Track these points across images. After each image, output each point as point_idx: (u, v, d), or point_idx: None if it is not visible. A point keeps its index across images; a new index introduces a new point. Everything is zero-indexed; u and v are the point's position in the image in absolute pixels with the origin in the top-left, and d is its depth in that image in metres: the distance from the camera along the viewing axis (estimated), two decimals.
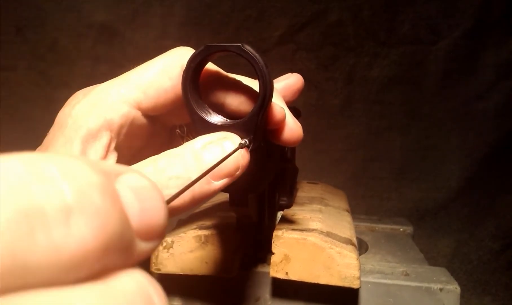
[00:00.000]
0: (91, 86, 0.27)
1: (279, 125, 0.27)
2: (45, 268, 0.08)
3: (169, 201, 0.13)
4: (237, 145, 0.24)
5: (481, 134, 0.88)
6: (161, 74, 0.26)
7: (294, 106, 0.33)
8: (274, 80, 0.29)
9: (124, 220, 0.10)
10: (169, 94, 0.27)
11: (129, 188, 0.11)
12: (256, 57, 0.25)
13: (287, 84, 0.32)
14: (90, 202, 0.09)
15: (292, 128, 0.27)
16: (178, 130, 0.31)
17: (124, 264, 0.10)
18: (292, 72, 0.33)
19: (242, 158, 0.24)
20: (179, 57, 0.27)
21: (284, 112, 0.27)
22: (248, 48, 0.24)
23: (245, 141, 0.24)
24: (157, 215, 0.11)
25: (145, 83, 0.26)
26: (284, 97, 0.30)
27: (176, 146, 0.23)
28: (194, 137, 0.27)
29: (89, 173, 0.10)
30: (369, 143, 0.91)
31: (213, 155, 0.23)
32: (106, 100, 0.25)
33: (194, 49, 0.27)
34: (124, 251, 0.10)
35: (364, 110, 0.90)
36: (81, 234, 0.09)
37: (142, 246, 0.11)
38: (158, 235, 0.11)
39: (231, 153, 0.23)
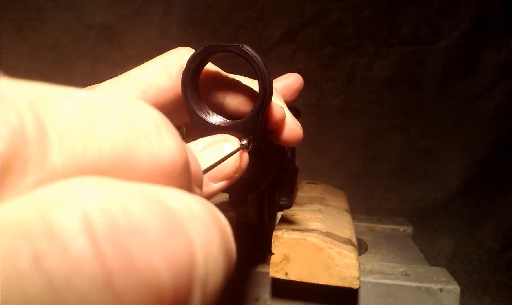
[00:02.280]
0: (91, 86, 0.27)
1: (279, 125, 0.27)
2: (148, 168, 0.10)
3: None
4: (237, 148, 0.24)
5: (481, 134, 0.88)
6: (161, 74, 0.26)
7: (294, 106, 0.33)
8: (274, 80, 0.29)
9: (187, 153, 0.12)
10: (169, 94, 0.27)
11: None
12: (256, 58, 0.25)
13: (286, 84, 0.32)
14: (171, 127, 0.11)
15: (292, 128, 0.27)
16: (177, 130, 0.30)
17: (190, 191, 0.12)
18: (292, 72, 0.33)
19: (241, 160, 0.24)
20: (179, 57, 0.27)
21: (284, 112, 0.27)
22: (247, 48, 0.24)
23: (245, 143, 0.24)
24: (199, 167, 0.13)
25: (145, 83, 0.26)
26: (283, 97, 0.30)
27: None
28: (193, 137, 0.27)
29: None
30: (369, 143, 0.91)
31: (213, 157, 0.23)
32: None
33: (194, 49, 0.27)
34: (189, 180, 0.12)
35: (364, 110, 0.90)
36: (171, 148, 0.11)
37: (196, 189, 0.13)
38: (201, 187, 0.13)
39: (230, 154, 0.23)
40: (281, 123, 0.27)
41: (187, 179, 0.12)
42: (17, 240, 0.07)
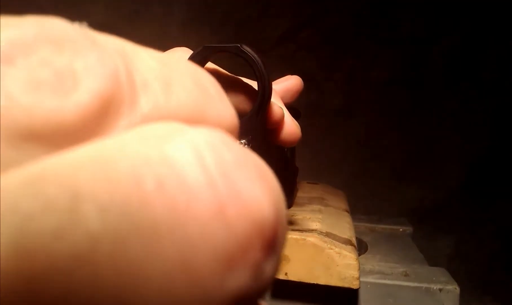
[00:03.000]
0: None
1: (277, 125, 0.27)
2: (216, 126, 0.10)
3: None
4: None
5: (481, 134, 0.88)
6: None
7: (294, 107, 0.33)
8: (274, 82, 0.29)
9: None
10: None
11: None
12: (255, 58, 0.25)
13: (286, 86, 0.32)
14: (225, 95, 0.12)
15: (290, 128, 0.27)
16: None
17: None
18: (292, 73, 0.33)
19: None
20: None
21: (282, 112, 0.27)
22: (246, 48, 0.24)
23: (244, 142, 0.24)
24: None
25: None
26: (282, 99, 0.30)
27: None
28: None
29: None
30: (369, 143, 0.91)
31: None
32: None
33: (193, 49, 0.26)
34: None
35: (364, 110, 0.90)
36: (230, 111, 0.11)
37: None
38: None
39: None
40: (279, 123, 0.27)
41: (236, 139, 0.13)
42: (141, 168, 0.07)
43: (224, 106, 0.11)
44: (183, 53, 0.27)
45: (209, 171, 0.08)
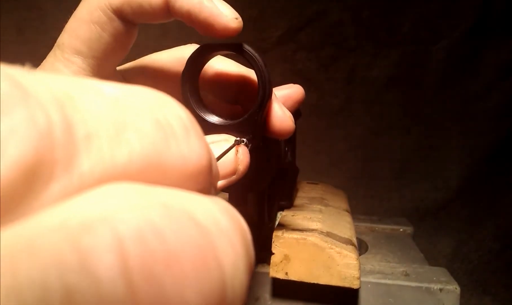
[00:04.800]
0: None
1: (277, 123, 0.27)
2: (177, 172, 0.10)
3: None
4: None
5: (481, 134, 0.88)
6: (175, 62, 0.28)
7: None
8: (275, 89, 0.29)
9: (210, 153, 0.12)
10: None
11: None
12: (255, 57, 0.25)
13: (287, 94, 0.32)
14: (198, 129, 0.11)
15: (281, 118, 0.26)
16: None
17: (210, 193, 0.12)
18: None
19: (241, 163, 0.24)
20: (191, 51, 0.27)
21: (282, 110, 0.27)
22: (247, 47, 0.25)
23: (244, 140, 0.24)
24: (216, 164, 0.13)
25: (159, 69, 0.28)
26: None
27: None
28: None
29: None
30: (369, 143, 0.91)
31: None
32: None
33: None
34: (211, 181, 0.12)
35: (364, 110, 0.90)
36: (198, 151, 0.11)
37: (212, 188, 0.13)
38: (216, 185, 0.13)
39: (228, 149, 0.23)
40: (279, 120, 0.27)
41: (209, 179, 0.12)
42: (49, 269, 0.07)
43: (190, 147, 0.10)
44: (193, 48, 0.27)
45: (131, 276, 0.07)
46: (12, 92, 0.08)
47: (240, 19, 0.24)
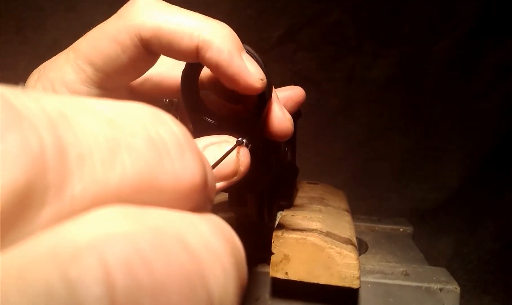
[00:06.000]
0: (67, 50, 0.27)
1: (277, 123, 0.27)
2: (170, 191, 0.10)
3: None
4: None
5: (481, 134, 0.88)
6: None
7: None
8: (277, 90, 0.29)
9: (206, 169, 0.12)
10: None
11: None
12: (255, 57, 0.25)
13: (288, 95, 0.32)
14: (193, 145, 0.11)
15: (280, 119, 0.26)
16: (166, 100, 0.30)
17: (204, 208, 0.12)
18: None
19: (242, 164, 0.24)
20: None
21: (282, 111, 0.27)
22: (247, 47, 0.24)
23: (244, 141, 0.24)
24: (213, 178, 0.13)
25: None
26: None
27: None
28: (184, 119, 0.27)
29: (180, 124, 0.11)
30: (369, 143, 0.91)
31: (214, 157, 0.23)
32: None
33: None
34: (205, 197, 0.12)
35: (364, 110, 0.90)
36: (193, 169, 0.10)
37: (208, 203, 0.12)
38: (213, 199, 0.13)
39: (230, 151, 0.23)
40: (279, 121, 0.27)
41: (204, 196, 0.11)
42: (39, 299, 0.07)
43: (184, 164, 0.10)
44: None
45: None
46: (5, 115, 0.07)
47: (265, 80, 0.24)
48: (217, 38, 0.23)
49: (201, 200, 0.11)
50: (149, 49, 0.24)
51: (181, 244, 0.09)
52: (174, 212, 0.10)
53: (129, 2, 0.25)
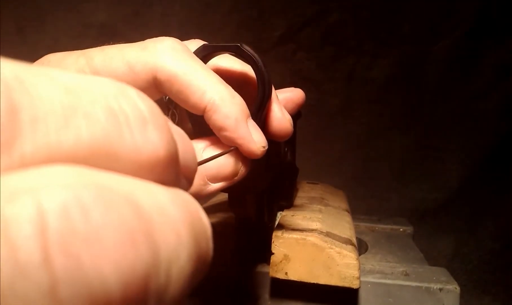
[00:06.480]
0: (78, 52, 0.27)
1: (276, 123, 0.27)
2: (128, 161, 0.10)
3: None
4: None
5: (481, 134, 0.88)
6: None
7: None
8: (277, 91, 0.29)
9: (176, 146, 0.12)
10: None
11: (173, 129, 0.12)
12: (255, 57, 0.25)
13: (289, 97, 0.32)
14: (159, 120, 0.11)
15: (280, 120, 0.27)
16: (166, 98, 0.30)
17: (176, 185, 0.12)
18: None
19: (242, 165, 0.24)
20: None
21: (282, 111, 0.27)
22: (247, 48, 0.25)
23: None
24: (193, 159, 0.13)
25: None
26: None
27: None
28: (185, 124, 0.27)
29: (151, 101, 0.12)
30: (369, 143, 0.91)
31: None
32: None
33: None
34: (176, 173, 0.12)
35: (364, 110, 0.90)
36: (155, 143, 0.10)
37: (183, 181, 0.12)
38: (191, 179, 0.13)
39: (228, 151, 0.23)
40: (278, 121, 0.27)
41: (173, 172, 0.11)
42: None
43: (146, 137, 0.10)
44: (197, 44, 0.27)
45: (48, 246, 0.07)
46: None
47: (266, 147, 0.24)
48: (226, 106, 0.23)
49: (169, 176, 0.11)
50: (159, 88, 0.24)
51: (128, 202, 0.09)
52: (131, 178, 0.10)
53: (158, 38, 0.25)
